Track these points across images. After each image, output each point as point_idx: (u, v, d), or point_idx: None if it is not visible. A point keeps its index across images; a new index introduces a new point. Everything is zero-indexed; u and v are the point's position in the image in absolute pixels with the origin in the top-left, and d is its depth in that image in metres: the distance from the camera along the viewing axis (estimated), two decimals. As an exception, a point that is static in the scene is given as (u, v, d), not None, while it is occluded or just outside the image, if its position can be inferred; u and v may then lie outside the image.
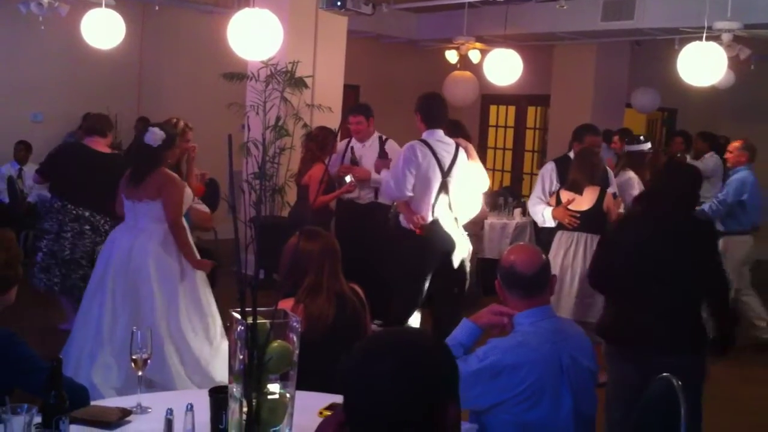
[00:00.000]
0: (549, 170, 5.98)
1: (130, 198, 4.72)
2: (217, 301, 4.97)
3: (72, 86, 9.45)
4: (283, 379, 2.17)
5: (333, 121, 8.23)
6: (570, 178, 5.62)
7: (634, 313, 3.55)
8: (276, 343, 2.12)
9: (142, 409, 2.52)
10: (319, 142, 6.75)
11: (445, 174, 5.11)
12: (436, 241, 5.21)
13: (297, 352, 2.17)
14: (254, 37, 5.57)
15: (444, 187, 5.14)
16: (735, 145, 6.85)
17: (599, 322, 3.94)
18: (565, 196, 5.58)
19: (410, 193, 5.15)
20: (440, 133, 5.20)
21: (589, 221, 5.44)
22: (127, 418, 2.46)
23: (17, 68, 9.29)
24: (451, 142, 5.20)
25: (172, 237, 4.71)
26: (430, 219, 5.17)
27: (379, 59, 11.61)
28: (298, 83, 8.04)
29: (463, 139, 5.34)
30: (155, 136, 4.68)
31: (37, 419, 2.09)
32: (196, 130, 5.65)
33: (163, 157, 4.74)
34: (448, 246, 5.24)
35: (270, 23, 5.55)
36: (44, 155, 6.90)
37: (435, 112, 5.22)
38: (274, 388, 2.15)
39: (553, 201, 5.72)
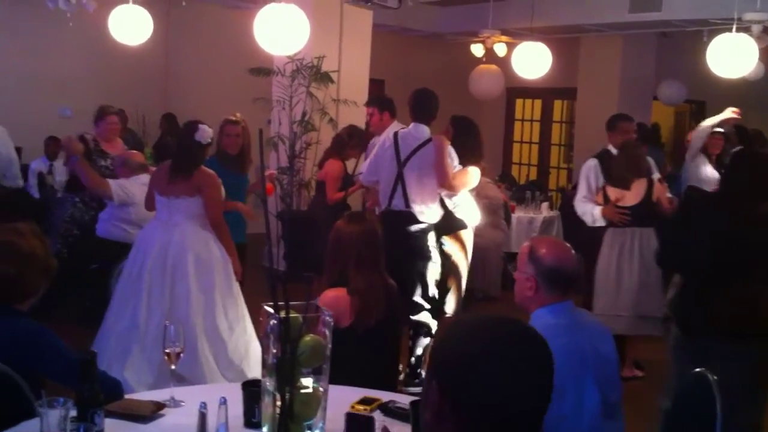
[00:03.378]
0: (592, 167, 5.80)
1: (166, 194, 4.70)
2: (244, 295, 4.98)
3: (99, 82, 9.52)
4: (315, 373, 2.17)
5: (359, 116, 8.24)
6: (615, 174, 5.51)
7: (707, 297, 3.53)
8: (308, 338, 2.13)
9: (175, 403, 2.53)
10: (335, 139, 6.82)
11: (401, 165, 5.10)
12: (387, 232, 5.13)
13: (329, 346, 2.18)
14: (281, 32, 5.58)
15: (400, 178, 5.11)
16: None
17: (670, 305, 3.88)
18: (612, 192, 5.47)
19: (372, 178, 5.38)
20: (419, 127, 5.18)
21: (639, 215, 5.36)
22: (161, 412, 2.47)
23: (46, 64, 9.39)
24: (422, 136, 5.15)
25: (207, 232, 4.74)
26: (384, 206, 5.21)
27: (404, 53, 11.58)
28: (324, 78, 8.05)
29: (441, 135, 5.22)
30: (205, 133, 4.72)
31: (73, 412, 2.11)
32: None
33: (206, 153, 4.82)
34: (400, 241, 5.05)
35: (296, 18, 5.56)
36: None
37: (417, 107, 5.24)
38: (307, 381, 2.15)
39: (600, 198, 5.60)
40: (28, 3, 8.67)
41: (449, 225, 5.36)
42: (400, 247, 5.03)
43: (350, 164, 7.03)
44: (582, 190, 5.81)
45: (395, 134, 5.27)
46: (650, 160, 5.78)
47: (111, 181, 5.64)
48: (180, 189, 4.66)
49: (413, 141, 5.13)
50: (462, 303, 5.61)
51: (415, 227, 5.10)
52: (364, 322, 3.05)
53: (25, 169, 8.85)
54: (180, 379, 3.82)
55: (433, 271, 5.16)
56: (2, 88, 9.34)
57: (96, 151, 6.21)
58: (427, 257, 5.14)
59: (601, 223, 5.55)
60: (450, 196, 5.32)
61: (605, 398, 2.62)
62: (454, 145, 5.28)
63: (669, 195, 5.60)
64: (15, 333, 2.53)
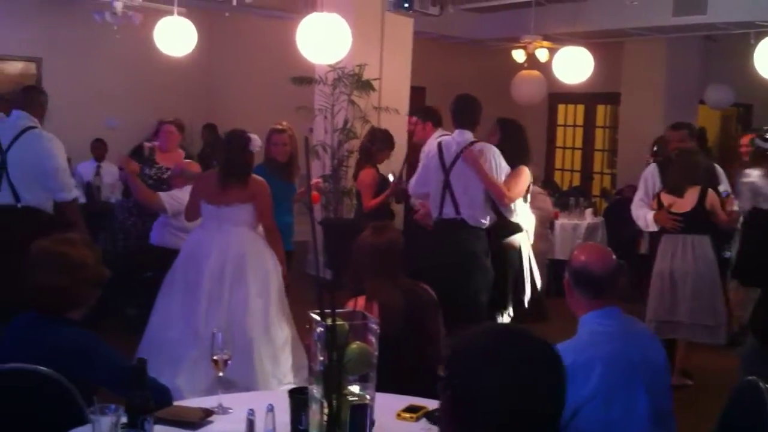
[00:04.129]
0: (651, 172, 5.84)
1: (215, 203, 4.74)
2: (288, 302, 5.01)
3: (145, 93, 9.69)
4: (362, 381, 2.17)
5: (400, 123, 8.25)
6: (671, 180, 5.52)
7: None
8: (355, 345, 2.13)
9: (223, 410, 2.54)
10: (361, 149, 6.90)
11: (447, 173, 5.10)
12: (438, 240, 5.14)
13: (376, 353, 2.18)
14: (323, 41, 5.62)
15: (447, 186, 5.12)
16: None
17: (751, 318, 3.83)
18: (665, 198, 5.47)
19: (421, 190, 5.37)
20: (463, 133, 5.16)
21: (692, 222, 5.33)
22: (209, 419, 2.49)
23: (93, 75, 9.58)
24: (465, 141, 5.13)
25: (261, 238, 4.82)
26: (435, 216, 5.20)
27: (444, 60, 11.57)
28: (365, 86, 8.08)
29: (483, 142, 5.17)
30: (257, 143, 4.82)
31: (123, 419, 2.14)
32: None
33: (254, 161, 4.90)
34: (451, 249, 5.04)
35: (338, 27, 5.60)
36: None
37: (459, 112, 5.24)
38: (353, 389, 2.16)
39: (654, 204, 5.60)
40: (76, 15, 8.86)
41: (504, 229, 5.29)
42: (452, 256, 5.01)
43: (389, 167, 7.04)
44: (639, 194, 5.86)
45: (439, 143, 5.27)
46: (720, 172, 5.73)
47: (161, 195, 5.70)
48: (232, 197, 4.71)
49: (456, 147, 5.11)
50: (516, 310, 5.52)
51: (467, 234, 5.07)
52: (384, 331, 3.06)
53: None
54: (234, 385, 3.86)
55: (486, 280, 5.10)
56: (51, 100, 9.50)
57: (147, 160, 6.28)
58: (479, 265, 5.09)
59: (653, 228, 5.57)
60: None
61: (655, 406, 2.59)
62: (501, 147, 5.20)
63: (735, 209, 5.50)
64: (67, 343, 2.57)
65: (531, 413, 1.47)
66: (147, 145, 6.42)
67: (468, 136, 5.15)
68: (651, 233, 5.74)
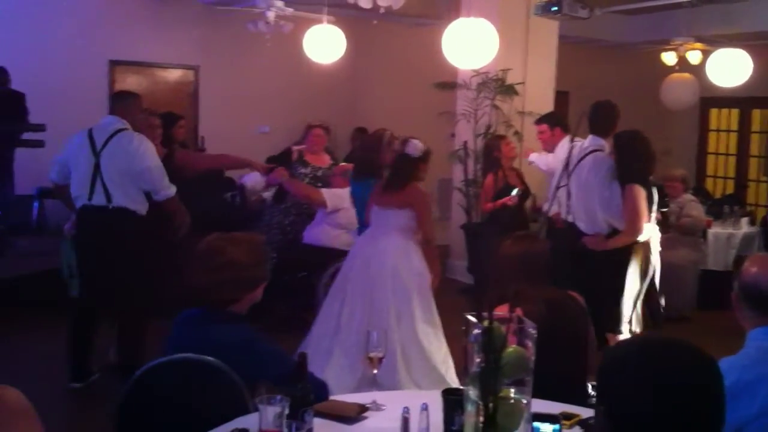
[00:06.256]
0: None
1: (378, 204, 4.93)
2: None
3: (294, 99, 9.99)
4: (518, 385, 2.17)
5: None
6: None
7: None
8: (512, 349, 2.13)
9: (377, 407, 2.60)
10: (486, 159, 6.95)
11: (569, 177, 5.14)
12: (565, 241, 5.08)
13: (533, 358, 2.17)
14: (469, 46, 5.63)
15: (569, 194, 5.16)
16: None
17: None
18: None
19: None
20: (595, 139, 5.11)
21: None
22: (364, 414, 2.55)
23: (246, 82, 9.97)
24: (589, 147, 5.08)
25: (410, 244, 4.87)
26: (563, 217, 5.28)
27: (589, 64, 11.34)
28: (509, 91, 8.03)
29: (598, 153, 5.00)
30: (417, 147, 4.85)
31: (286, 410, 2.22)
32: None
33: (420, 169, 4.90)
34: (576, 251, 4.97)
35: (485, 32, 5.60)
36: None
37: (591, 119, 5.21)
38: (509, 393, 2.16)
39: None
40: (231, 25, 9.25)
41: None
42: (569, 261, 4.96)
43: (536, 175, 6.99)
44: None
45: (572, 147, 5.29)
46: None
47: (323, 191, 5.97)
48: (390, 201, 4.85)
49: (579, 153, 5.12)
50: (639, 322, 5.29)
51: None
52: None
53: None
54: (380, 386, 3.94)
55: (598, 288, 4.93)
56: (207, 106, 10.02)
57: (298, 161, 6.57)
58: (583, 273, 4.95)
59: None
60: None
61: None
62: (615, 163, 4.99)
63: None
64: (231, 339, 2.66)
65: (686, 426, 1.45)
66: (295, 149, 6.68)
67: (600, 142, 5.08)
68: None
